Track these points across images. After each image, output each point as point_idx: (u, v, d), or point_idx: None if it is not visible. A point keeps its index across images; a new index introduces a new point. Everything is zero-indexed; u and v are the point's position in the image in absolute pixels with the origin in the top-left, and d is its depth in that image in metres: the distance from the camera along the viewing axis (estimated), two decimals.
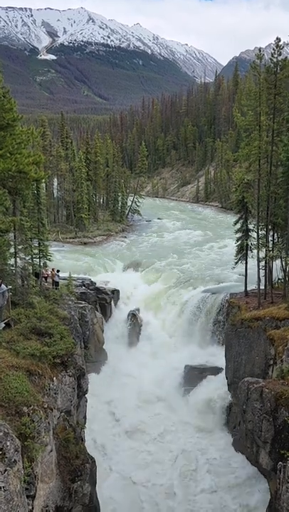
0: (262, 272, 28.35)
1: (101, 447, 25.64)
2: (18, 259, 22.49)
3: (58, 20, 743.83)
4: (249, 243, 29.67)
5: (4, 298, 18.00)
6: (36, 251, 27.24)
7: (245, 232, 29.79)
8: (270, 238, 28.78)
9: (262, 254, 27.98)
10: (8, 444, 10.72)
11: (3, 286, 18.09)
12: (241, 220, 30.02)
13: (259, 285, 28.06)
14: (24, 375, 14.72)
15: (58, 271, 30.22)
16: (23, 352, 16.16)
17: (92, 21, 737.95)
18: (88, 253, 53.62)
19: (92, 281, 38.42)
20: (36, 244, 27.31)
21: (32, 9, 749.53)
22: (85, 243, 59.41)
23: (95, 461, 18.18)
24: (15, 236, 22.18)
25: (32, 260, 26.67)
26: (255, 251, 28.78)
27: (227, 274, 40.22)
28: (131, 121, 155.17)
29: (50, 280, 29.77)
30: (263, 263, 28.35)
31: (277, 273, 30.04)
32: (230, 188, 73.52)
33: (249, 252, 30.01)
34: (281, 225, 27.45)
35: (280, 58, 26.29)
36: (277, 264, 29.70)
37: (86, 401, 22.25)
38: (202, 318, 35.31)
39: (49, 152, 65.34)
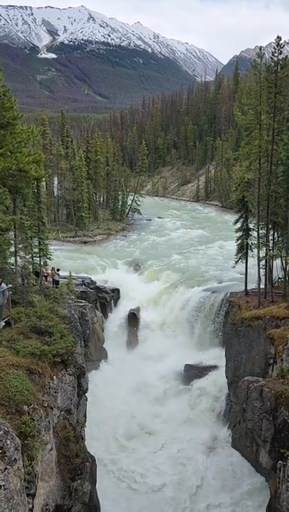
0: (262, 271, 28.35)
1: None
2: (18, 257, 22.50)
3: (59, 18, 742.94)
4: (249, 242, 29.65)
5: (4, 297, 18.01)
6: (36, 250, 27.25)
7: (246, 231, 29.78)
8: (271, 237, 28.76)
9: (262, 254, 27.97)
10: (8, 442, 10.73)
11: (3, 285, 18.10)
12: (241, 219, 30.00)
13: (259, 284, 28.06)
14: (24, 373, 14.74)
15: (58, 270, 30.22)
16: (23, 351, 16.17)
17: (93, 20, 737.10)
18: (88, 252, 53.60)
19: (92, 280, 38.42)
20: (36, 243, 27.31)
21: (32, 8, 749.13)
22: (85, 242, 59.39)
23: (95, 460, 18.21)
24: (15, 235, 22.18)
25: (32, 259, 26.68)
26: (255, 250, 28.77)
27: (227, 273, 40.21)
28: (131, 120, 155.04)
29: (50, 279, 29.79)
30: (263, 262, 28.34)
31: (277, 272, 30.03)
32: (231, 187, 73.34)
33: (249, 251, 29.99)
34: (281, 224, 27.43)
35: (280, 57, 26.24)
36: (277, 263, 29.69)
37: (86, 400, 22.26)
38: (202, 317, 35.32)
39: (49, 151, 65.28)
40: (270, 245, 28.30)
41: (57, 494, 14.86)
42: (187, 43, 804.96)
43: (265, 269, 28.69)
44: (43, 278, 28.55)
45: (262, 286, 28.33)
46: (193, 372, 31.42)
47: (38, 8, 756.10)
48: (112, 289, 39.76)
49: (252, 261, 30.14)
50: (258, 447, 20.69)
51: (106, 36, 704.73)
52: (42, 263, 27.70)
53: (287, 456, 16.58)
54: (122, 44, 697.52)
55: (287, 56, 26.72)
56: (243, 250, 30.32)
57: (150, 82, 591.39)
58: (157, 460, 25.09)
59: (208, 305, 35.29)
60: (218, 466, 24.44)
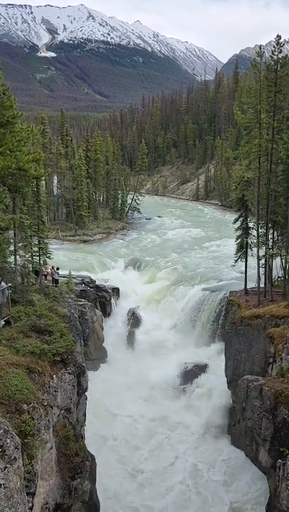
0: (262, 270, 28.36)
1: None
2: (17, 256, 22.48)
3: (58, 17, 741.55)
4: (249, 241, 29.65)
5: (4, 296, 18.01)
6: (36, 249, 27.24)
7: (245, 230, 29.78)
8: (270, 236, 28.77)
9: (262, 253, 27.97)
10: (8, 441, 10.74)
11: (3, 283, 18.09)
12: (241, 218, 30.00)
13: (259, 283, 28.06)
14: (24, 372, 14.74)
15: (57, 268, 30.22)
16: (22, 350, 16.17)
17: (92, 18, 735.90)
18: (88, 251, 53.60)
19: (92, 279, 38.42)
20: (36, 242, 27.30)
21: (32, 6, 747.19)
22: (84, 241, 59.39)
23: (94, 459, 18.23)
24: (15, 234, 22.17)
25: (32, 258, 26.68)
26: (255, 249, 28.76)
27: (227, 272, 40.22)
28: (131, 119, 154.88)
29: (49, 278, 29.78)
30: (262, 261, 28.34)
31: (277, 271, 30.03)
32: (230, 186, 73.33)
33: (249, 250, 29.99)
34: (281, 223, 27.43)
35: (280, 56, 26.21)
36: (277, 262, 29.69)
37: (86, 399, 22.27)
38: (202, 316, 35.33)
39: (49, 150, 65.24)
40: (270, 244, 28.31)
41: (57, 493, 14.86)
42: (187, 42, 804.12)
43: (265, 268, 28.69)
44: (43, 277, 28.54)
45: (261, 285, 28.34)
46: (193, 371, 31.44)
47: (37, 6, 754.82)
48: (111, 288, 39.75)
49: (252, 260, 30.14)
50: (258, 446, 20.70)
51: (106, 35, 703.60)
52: (42, 262, 27.69)
53: (287, 455, 16.60)
54: (121, 43, 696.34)
55: (287, 55, 26.69)
56: (242, 249, 30.32)
57: (150, 81, 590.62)
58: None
59: (208, 304, 35.31)
60: None
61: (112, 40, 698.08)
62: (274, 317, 24.41)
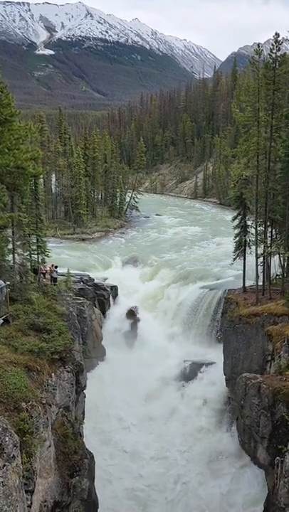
0: (260, 268, 28.38)
1: None
2: (16, 255, 22.46)
3: (56, 14, 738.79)
4: (247, 239, 29.67)
5: (2, 294, 18.01)
6: (34, 247, 27.20)
7: (244, 228, 29.79)
8: (269, 234, 28.79)
9: (260, 251, 28.00)
10: (6, 439, 10.75)
11: (1, 282, 18.11)
12: (240, 216, 29.99)
13: (257, 281, 28.09)
14: (22, 371, 14.74)
15: (56, 267, 30.20)
16: (21, 348, 16.18)
17: (91, 16, 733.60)
18: (86, 249, 53.56)
19: (90, 278, 38.40)
20: (34, 241, 27.26)
21: (30, 4, 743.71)
22: (83, 239, 59.33)
23: (93, 457, 18.26)
24: (13, 232, 22.13)
25: (30, 256, 26.65)
26: (253, 247, 28.79)
27: (225, 270, 40.25)
28: (129, 117, 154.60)
29: (48, 276, 29.75)
30: (261, 259, 28.37)
31: (275, 269, 30.07)
32: (229, 184, 73.42)
33: (247, 248, 30.01)
34: (279, 222, 27.45)
35: (278, 54, 26.19)
36: (275, 260, 29.73)
37: (84, 397, 22.30)
38: (200, 314, 35.37)
39: (47, 148, 65.10)
40: (268, 242, 28.33)
41: (55, 491, 14.89)
42: (185, 40, 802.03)
43: (263, 266, 28.72)
44: (41, 275, 28.52)
45: (260, 283, 28.37)
46: (192, 369, 31.48)
47: (35, 4, 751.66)
48: (110, 286, 39.76)
49: (250, 258, 30.16)
50: (256, 443, 20.77)
51: (104, 33, 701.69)
52: (40, 260, 27.67)
53: (285, 452, 16.66)
54: (119, 41, 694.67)
55: (285, 53, 26.69)
56: (241, 247, 30.33)
57: (148, 78, 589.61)
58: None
59: (207, 302, 35.34)
60: None
61: (111, 37, 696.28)
62: (272, 315, 24.46)
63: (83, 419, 21.50)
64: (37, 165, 22.51)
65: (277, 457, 16.97)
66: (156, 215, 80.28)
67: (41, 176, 32.75)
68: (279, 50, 26.19)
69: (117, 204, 74.85)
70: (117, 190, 74.88)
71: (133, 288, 42.42)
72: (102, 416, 28.08)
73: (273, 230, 29.14)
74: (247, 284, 30.50)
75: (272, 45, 26.26)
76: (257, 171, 27.58)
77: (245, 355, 25.73)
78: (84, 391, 21.81)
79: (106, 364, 33.68)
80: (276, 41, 26.30)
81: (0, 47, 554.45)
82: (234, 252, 30.96)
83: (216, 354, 31.69)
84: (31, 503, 12.61)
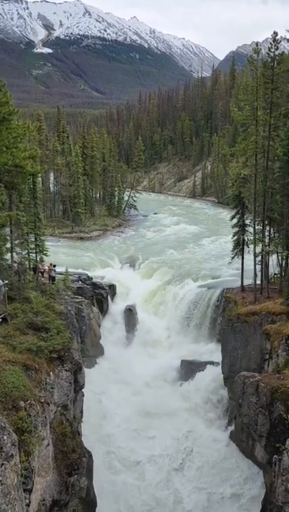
0: (258, 267, 28.41)
1: None
2: (14, 254, 22.44)
3: (54, 13, 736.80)
4: (246, 238, 29.71)
5: (0, 293, 18.01)
6: (33, 246, 27.20)
7: (242, 227, 29.82)
8: (267, 233, 28.82)
9: (258, 249, 28.03)
10: (5, 438, 10.74)
11: None
12: (238, 215, 30.02)
13: (255, 280, 28.13)
14: (21, 369, 14.75)
15: (54, 266, 30.19)
16: (19, 347, 16.18)
17: (89, 14, 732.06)
18: (85, 248, 53.52)
19: (88, 276, 38.37)
20: (33, 239, 27.25)
21: (28, 2, 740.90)
22: (81, 238, 59.28)
23: (91, 455, 18.29)
24: (11, 231, 22.12)
25: (28, 255, 26.65)
26: (251, 246, 28.83)
27: (223, 269, 40.26)
28: (128, 116, 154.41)
29: (46, 275, 29.75)
30: (259, 258, 28.40)
31: (273, 268, 30.12)
32: (227, 183, 73.42)
33: (245, 247, 30.04)
34: (277, 220, 27.49)
35: (277, 52, 26.21)
36: (273, 259, 29.77)
37: (83, 395, 22.31)
38: (198, 313, 35.38)
39: (45, 146, 64.91)
40: (266, 241, 28.36)
41: (54, 489, 14.90)
42: (184, 39, 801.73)
43: (261, 265, 28.75)
44: (39, 274, 28.51)
45: (258, 282, 28.41)
46: (190, 368, 31.50)
47: (33, 2, 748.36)
48: (108, 285, 39.72)
49: (248, 257, 30.20)
50: (254, 442, 20.82)
51: (102, 31, 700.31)
52: (38, 259, 27.67)
53: (283, 451, 16.70)
54: (118, 39, 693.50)
55: (283, 52, 26.73)
56: (239, 246, 30.37)
57: (146, 77, 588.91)
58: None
59: (205, 301, 35.35)
60: None
61: (109, 36, 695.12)
62: (270, 314, 24.50)
63: (81, 417, 21.52)
64: (35, 163, 22.49)
65: (275, 455, 17.01)
66: (155, 213, 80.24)
67: (39, 175, 32.77)
68: (277, 48, 26.22)
69: (116, 203, 74.77)
70: (116, 189, 74.80)
71: (131, 287, 42.39)
72: (99, 414, 28.11)
73: (271, 229, 29.17)
74: (245, 283, 30.54)
75: (271, 43, 26.28)
76: (255, 170, 27.61)
77: (243, 353, 25.77)
78: (82, 390, 21.81)
79: (104, 363, 33.69)
80: (274, 40, 26.32)
81: None
82: (232, 251, 31.00)
83: (214, 353, 31.73)
84: (30, 502, 12.62)
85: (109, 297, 39.21)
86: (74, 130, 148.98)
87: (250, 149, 27.71)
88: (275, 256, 29.40)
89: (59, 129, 76.40)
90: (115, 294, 40.42)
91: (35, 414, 13.27)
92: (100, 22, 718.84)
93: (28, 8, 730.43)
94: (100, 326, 35.78)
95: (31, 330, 18.11)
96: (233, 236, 30.56)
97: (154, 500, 22.33)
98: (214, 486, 22.91)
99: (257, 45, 27.24)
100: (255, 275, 28.06)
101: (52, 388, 16.70)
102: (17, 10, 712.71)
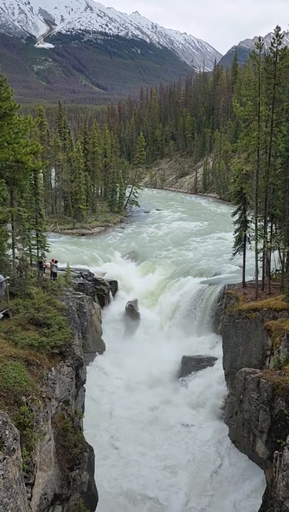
0: (260, 263, 28.38)
1: None
2: (16, 249, 22.45)
3: (56, 7, 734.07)
4: (247, 234, 29.65)
5: (2, 288, 18.02)
6: (34, 242, 27.19)
7: (244, 223, 29.75)
8: (269, 229, 28.76)
9: (260, 246, 27.97)
10: (7, 432, 10.78)
11: (1, 276, 18.10)
12: (240, 211, 29.94)
13: (257, 276, 28.10)
14: (22, 365, 14.77)
15: (55, 261, 30.22)
16: (21, 342, 16.20)
17: (90, 9, 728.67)
18: (86, 244, 53.55)
19: (90, 272, 38.42)
20: (34, 235, 27.25)
21: None
22: (83, 234, 59.29)
23: (93, 450, 18.34)
24: (12, 227, 22.10)
25: (30, 251, 26.65)
26: (253, 242, 28.76)
27: (225, 265, 40.26)
28: (129, 111, 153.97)
29: (48, 271, 29.79)
30: (261, 254, 28.36)
31: (275, 264, 30.08)
32: (229, 178, 73.26)
33: (247, 243, 30.00)
34: (279, 216, 27.41)
35: (279, 48, 26.01)
36: (275, 255, 29.72)
37: (84, 391, 22.38)
38: (200, 309, 35.41)
39: (47, 142, 64.85)
40: (268, 237, 28.31)
41: (55, 483, 14.97)
42: (186, 33, 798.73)
43: (263, 261, 28.72)
44: (43, 269, 28.60)
45: (259, 278, 28.38)
46: (191, 364, 31.57)
47: None
48: (109, 281, 39.78)
49: (250, 253, 30.17)
50: (255, 437, 20.85)
51: (104, 26, 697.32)
52: (40, 255, 27.69)
53: (284, 446, 16.73)
54: (119, 34, 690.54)
55: (286, 47, 26.49)
56: (241, 242, 30.31)
57: (148, 72, 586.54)
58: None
59: (206, 297, 35.37)
60: None
61: (110, 31, 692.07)
62: (272, 310, 24.49)
63: (83, 413, 21.58)
64: (36, 159, 22.44)
65: (276, 451, 17.04)
66: (156, 209, 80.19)
67: (41, 171, 32.70)
68: (280, 43, 26.02)
69: (117, 199, 74.72)
70: (117, 185, 74.71)
71: (132, 283, 42.45)
72: (100, 410, 28.21)
73: (273, 225, 29.10)
74: (247, 279, 30.53)
75: (273, 38, 26.09)
76: (257, 166, 27.50)
77: (244, 349, 25.79)
78: (84, 385, 21.87)
79: (106, 358, 33.78)
80: (277, 35, 26.12)
81: None
82: (234, 247, 30.96)
83: (215, 349, 31.79)
84: (31, 496, 12.68)
85: (110, 293, 39.27)
86: (75, 126, 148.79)
87: (252, 145, 27.59)
88: (276, 252, 29.35)
89: (60, 124, 76.27)
90: (117, 290, 40.47)
91: (36, 409, 13.31)
92: (101, 17, 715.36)
93: (29, 2, 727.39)
94: (101, 321, 35.85)
95: (33, 325, 18.14)
96: (235, 232, 30.50)
97: None
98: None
99: (259, 40, 27.05)
100: (257, 271, 28.03)
101: (53, 383, 16.75)
102: (18, 5, 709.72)
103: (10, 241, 22.00)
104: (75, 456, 16.36)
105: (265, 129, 27.23)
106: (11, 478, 10.34)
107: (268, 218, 28.39)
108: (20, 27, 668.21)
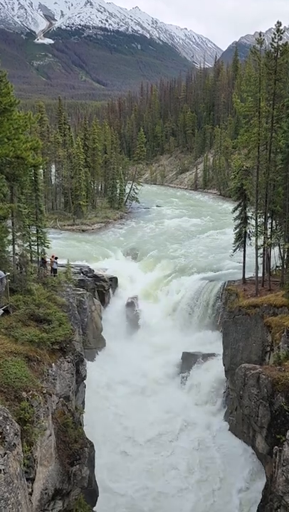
0: (260, 260, 28.38)
1: None
2: (16, 246, 22.45)
3: (55, 3, 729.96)
4: (248, 230, 29.64)
5: (2, 284, 18.03)
6: (34, 238, 27.20)
7: (244, 219, 29.74)
8: (269, 225, 28.75)
9: (260, 242, 27.96)
10: (7, 428, 10.83)
11: (1, 272, 18.11)
12: (240, 208, 29.93)
13: (257, 272, 28.11)
14: (23, 360, 14.81)
15: (56, 258, 30.23)
16: (21, 338, 16.24)
17: (90, 4, 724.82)
18: (86, 240, 53.54)
19: (90, 269, 38.42)
20: (34, 232, 27.25)
21: None
22: (83, 230, 59.28)
23: (93, 445, 18.41)
24: (13, 223, 22.10)
25: (30, 247, 26.66)
26: (253, 238, 28.75)
27: (225, 261, 40.26)
28: (129, 107, 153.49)
29: (48, 267, 29.82)
30: (261, 250, 28.35)
31: (275, 260, 30.08)
32: (229, 175, 73.10)
33: (247, 239, 29.99)
34: (279, 213, 27.39)
35: (280, 43, 25.89)
36: (275, 251, 29.71)
37: (84, 387, 22.44)
38: (200, 305, 35.45)
39: (47, 138, 64.74)
40: (268, 233, 28.29)
41: (56, 479, 15.04)
42: (186, 29, 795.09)
43: (263, 257, 28.72)
44: (43, 265, 28.64)
45: (260, 274, 28.39)
46: (191, 360, 31.63)
47: None
48: (110, 277, 39.78)
49: (250, 249, 30.16)
50: (255, 433, 20.93)
51: (104, 21, 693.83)
52: (40, 251, 27.71)
53: (284, 442, 16.80)
54: (120, 29, 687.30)
55: (287, 42, 26.37)
56: (241, 238, 30.32)
57: (148, 68, 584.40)
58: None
59: (206, 293, 35.40)
60: None
61: (110, 26, 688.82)
62: (272, 306, 24.52)
63: (83, 408, 21.66)
64: (37, 155, 22.40)
65: (276, 446, 17.12)
66: (157, 206, 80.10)
67: (41, 167, 32.64)
68: (281, 39, 25.91)
69: (117, 195, 74.63)
70: (117, 181, 74.60)
71: (133, 279, 42.47)
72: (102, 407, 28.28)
73: (273, 222, 29.08)
74: (247, 276, 30.54)
75: (274, 34, 25.97)
76: (257, 162, 27.45)
77: (244, 345, 25.85)
78: (84, 381, 21.93)
79: (106, 354, 33.84)
80: (278, 30, 26.00)
81: None
82: (234, 244, 30.96)
83: (215, 345, 31.83)
84: (32, 491, 12.75)
85: (110, 289, 39.28)
86: (75, 122, 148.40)
87: (252, 141, 27.52)
88: (276, 248, 29.35)
89: (60, 120, 76.06)
90: (117, 286, 40.49)
91: (37, 404, 13.36)
92: (101, 12, 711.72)
93: None
94: (101, 318, 35.89)
95: (33, 321, 18.17)
96: (235, 228, 30.49)
97: None
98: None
99: (260, 36, 26.97)
100: (257, 268, 28.03)
101: (54, 379, 16.80)
102: (18, 0, 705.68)
103: (10, 237, 21.99)
104: (76, 452, 16.42)
105: (266, 125, 27.15)
106: (11, 473, 10.39)
107: (268, 214, 28.36)
108: (20, 22, 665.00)
